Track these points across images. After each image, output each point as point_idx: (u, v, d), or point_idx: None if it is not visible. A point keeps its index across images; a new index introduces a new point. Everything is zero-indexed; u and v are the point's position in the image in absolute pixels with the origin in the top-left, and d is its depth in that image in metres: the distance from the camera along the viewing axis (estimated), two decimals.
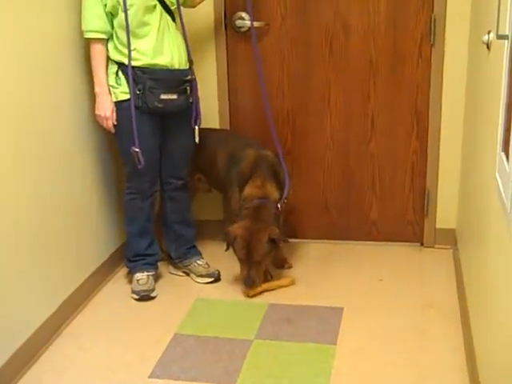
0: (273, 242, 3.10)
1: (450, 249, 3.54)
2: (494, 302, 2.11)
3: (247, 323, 2.96)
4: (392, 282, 3.28)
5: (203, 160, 3.38)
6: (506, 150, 1.49)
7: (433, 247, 3.63)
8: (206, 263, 3.40)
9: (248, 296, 3.17)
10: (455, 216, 3.54)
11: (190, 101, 3.12)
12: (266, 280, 3.26)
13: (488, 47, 2.37)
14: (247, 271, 3.12)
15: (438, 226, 3.60)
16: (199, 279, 3.36)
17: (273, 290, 3.24)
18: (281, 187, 3.24)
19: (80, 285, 3.14)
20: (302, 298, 3.15)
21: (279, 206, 3.19)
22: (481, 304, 2.41)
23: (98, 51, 2.96)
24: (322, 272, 3.41)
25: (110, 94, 2.99)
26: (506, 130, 1.51)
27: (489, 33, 2.32)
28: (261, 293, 3.20)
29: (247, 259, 3.11)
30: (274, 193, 3.20)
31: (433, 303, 3.05)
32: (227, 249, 3.14)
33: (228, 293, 3.23)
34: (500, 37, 1.54)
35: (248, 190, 3.19)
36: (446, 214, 3.56)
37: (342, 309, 3.03)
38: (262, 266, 3.16)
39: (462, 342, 2.69)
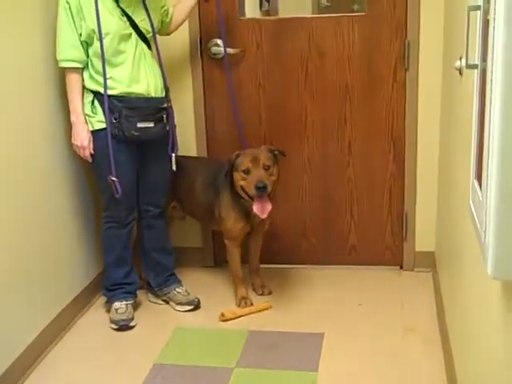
0: (272, 153, 3.12)
1: (429, 272, 3.55)
2: (470, 326, 2.12)
3: (228, 351, 2.94)
4: (372, 306, 3.28)
5: (179, 188, 3.36)
6: (478, 178, 1.50)
7: (412, 270, 3.64)
8: (186, 291, 3.38)
9: (223, 320, 3.16)
10: (434, 239, 3.55)
11: (167, 128, 3.11)
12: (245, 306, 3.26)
13: (460, 73, 2.40)
14: (257, 175, 3.03)
15: (417, 249, 3.61)
16: (179, 307, 3.33)
17: (249, 314, 3.23)
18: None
19: (58, 314, 3.11)
20: (282, 325, 3.14)
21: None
22: (459, 327, 2.42)
23: (73, 80, 2.95)
24: (302, 297, 3.40)
25: (87, 122, 2.98)
26: (478, 158, 1.52)
27: (460, 58, 2.35)
28: (237, 318, 3.19)
29: (256, 165, 3.05)
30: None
31: (413, 327, 3.05)
32: (226, 174, 3.11)
33: (208, 320, 3.21)
34: (470, 66, 1.56)
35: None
36: (424, 236, 3.57)
37: (322, 334, 3.02)
38: (270, 176, 3.07)
39: (444, 366, 2.69)
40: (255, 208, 3.05)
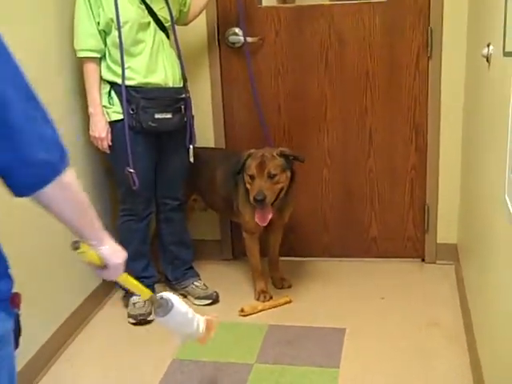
0: (286, 158, 3.03)
1: (451, 264, 3.48)
2: (497, 320, 2.06)
3: (247, 346, 2.89)
4: (394, 299, 3.22)
5: (200, 180, 3.31)
6: None
7: (434, 263, 3.57)
8: (204, 285, 3.33)
9: (243, 315, 3.12)
10: (456, 231, 3.48)
11: (185, 119, 3.06)
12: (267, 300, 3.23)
13: (488, 60, 2.32)
14: (258, 184, 2.96)
15: (439, 242, 3.54)
16: (197, 301, 3.29)
17: (269, 308, 3.18)
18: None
19: (75, 309, 3.08)
20: (302, 319, 3.09)
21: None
22: (486, 321, 2.36)
23: (91, 70, 2.90)
24: (322, 291, 3.34)
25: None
26: None
27: (488, 46, 2.28)
28: (257, 312, 3.14)
29: (260, 173, 2.97)
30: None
31: (436, 321, 2.98)
32: (239, 172, 3.05)
33: (227, 315, 3.15)
34: (507, 54, 1.49)
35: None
36: (446, 228, 3.50)
37: (344, 329, 2.96)
38: (275, 185, 3.00)
39: (468, 362, 2.63)
40: (256, 216, 3.01)
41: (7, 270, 1.34)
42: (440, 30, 3.22)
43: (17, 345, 1.41)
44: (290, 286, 3.38)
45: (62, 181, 1.27)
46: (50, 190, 1.26)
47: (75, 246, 1.56)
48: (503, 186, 1.61)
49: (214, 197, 3.36)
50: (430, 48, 3.26)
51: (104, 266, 1.60)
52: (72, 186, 1.33)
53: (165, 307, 2.13)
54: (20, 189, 1.25)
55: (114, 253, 1.62)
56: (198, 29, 3.37)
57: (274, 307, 3.20)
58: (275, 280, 3.40)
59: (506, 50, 1.52)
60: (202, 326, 2.36)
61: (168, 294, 2.16)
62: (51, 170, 1.25)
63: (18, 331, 1.40)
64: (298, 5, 3.54)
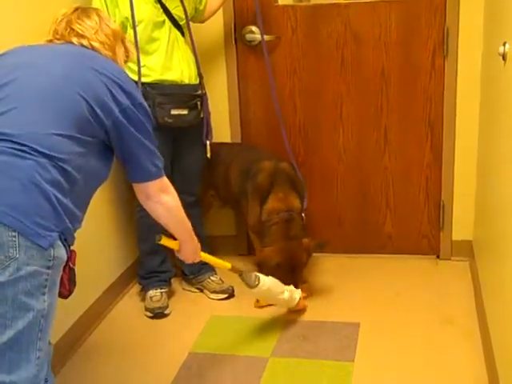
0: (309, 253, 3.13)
1: (466, 261, 3.49)
2: None
3: (263, 340, 2.93)
4: (409, 295, 3.23)
5: (215, 176, 3.35)
6: None
7: (449, 259, 3.58)
8: (220, 279, 3.37)
9: (258, 306, 3.16)
10: (471, 228, 3.49)
11: (201, 116, 3.10)
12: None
13: (504, 58, 2.33)
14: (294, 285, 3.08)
15: (454, 238, 3.55)
16: (213, 295, 3.33)
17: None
18: (300, 197, 3.23)
19: (93, 302, 3.12)
20: (317, 314, 3.11)
21: (303, 215, 3.19)
22: (500, 319, 2.37)
23: None
24: (337, 286, 3.37)
25: None
26: None
27: (504, 44, 2.29)
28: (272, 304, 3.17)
29: (292, 278, 3.09)
30: (296, 204, 3.19)
31: (451, 318, 2.99)
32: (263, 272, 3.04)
33: (242, 309, 3.19)
34: None
35: (271, 204, 3.16)
36: (462, 225, 3.51)
37: (358, 324, 2.98)
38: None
39: (483, 359, 2.64)
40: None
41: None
42: (456, 29, 3.24)
43: (70, 293, 1.89)
44: (305, 282, 3.40)
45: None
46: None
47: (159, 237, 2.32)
48: None
49: (228, 193, 3.40)
50: (446, 47, 3.27)
51: (178, 250, 2.37)
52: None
53: (250, 280, 2.73)
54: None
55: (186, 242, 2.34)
56: (215, 26, 3.41)
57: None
58: None
59: None
60: (297, 298, 3.02)
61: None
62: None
63: (73, 282, 1.89)
64: (315, 3, 3.56)
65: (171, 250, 3.30)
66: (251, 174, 3.23)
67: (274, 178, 3.19)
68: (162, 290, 3.24)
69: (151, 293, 3.22)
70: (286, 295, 2.97)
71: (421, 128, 3.44)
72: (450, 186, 3.47)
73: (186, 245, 2.35)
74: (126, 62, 2.19)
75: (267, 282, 2.84)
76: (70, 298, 2.87)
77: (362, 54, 3.40)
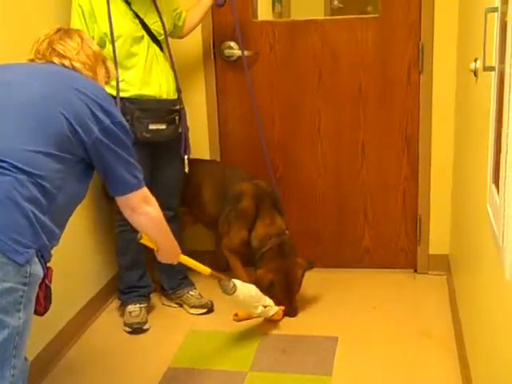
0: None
1: (443, 275, 3.52)
2: (487, 332, 2.10)
3: (241, 354, 2.93)
4: (386, 309, 3.26)
5: (187, 193, 3.35)
6: (496, 181, 1.48)
7: (426, 273, 3.61)
8: (199, 294, 3.37)
9: (237, 319, 3.17)
10: (448, 242, 3.53)
11: (179, 131, 3.11)
12: None
13: (475, 75, 2.38)
14: (289, 304, 3.20)
15: (431, 252, 3.59)
16: (192, 310, 3.33)
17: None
18: (282, 215, 3.30)
19: (72, 317, 3.11)
20: (295, 328, 3.13)
21: (287, 232, 3.27)
22: (477, 332, 2.39)
23: None
24: (316, 300, 3.38)
25: None
26: (496, 162, 1.51)
27: (475, 60, 2.34)
28: (250, 318, 3.18)
29: (287, 296, 3.18)
30: (282, 225, 3.27)
31: (428, 332, 3.02)
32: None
33: (221, 323, 3.20)
34: (487, 68, 1.55)
35: (261, 230, 3.23)
36: (438, 239, 3.55)
37: (336, 338, 3.00)
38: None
39: (459, 372, 2.66)
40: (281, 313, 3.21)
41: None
42: (431, 45, 3.29)
43: (45, 310, 1.90)
44: None
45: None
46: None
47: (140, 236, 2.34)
48: (486, 195, 1.66)
49: (201, 211, 3.43)
50: (421, 62, 3.33)
51: (157, 250, 2.39)
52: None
53: (227, 287, 2.79)
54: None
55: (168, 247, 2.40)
56: (193, 42, 3.44)
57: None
58: None
59: (486, 64, 1.58)
60: (272, 312, 3.08)
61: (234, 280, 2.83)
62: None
63: (49, 299, 1.88)
64: (292, 20, 3.60)
65: (150, 265, 3.33)
66: (230, 197, 3.26)
67: (258, 201, 3.24)
68: (141, 305, 3.24)
69: (130, 308, 3.22)
70: (260, 310, 3.04)
71: (397, 142, 3.48)
72: (427, 200, 3.51)
73: (166, 248, 2.42)
74: (106, 83, 2.22)
75: (244, 291, 2.90)
76: (48, 312, 2.87)
77: (339, 70, 3.44)
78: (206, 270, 2.81)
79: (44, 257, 1.77)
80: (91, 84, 1.99)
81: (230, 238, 3.29)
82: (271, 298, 3.12)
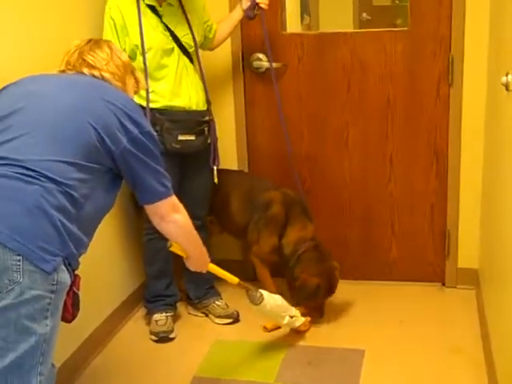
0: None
1: (472, 289, 3.49)
2: None
3: (267, 366, 2.93)
4: (413, 323, 3.23)
5: (215, 202, 3.36)
6: None
7: (455, 287, 3.57)
8: (225, 304, 3.38)
9: (267, 331, 3.17)
10: (477, 256, 3.49)
11: (208, 142, 3.13)
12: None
13: (507, 89, 2.36)
14: (321, 306, 3.25)
15: (459, 266, 3.55)
16: (218, 320, 3.33)
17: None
18: (312, 221, 3.31)
19: (98, 326, 3.13)
20: (322, 340, 3.12)
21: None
22: (506, 348, 2.36)
23: None
24: (343, 312, 3.37)
25: None
26: None
27: (507, 74, 2.32)
28: (279, 328, 3.18)
29: (326, 298, 3.24)
30: (314, 230, 3.28)
31: (456, 347, 2.98)
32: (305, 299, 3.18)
33: (247, 334, 3.20)
34: None
35: (293, 235, 3.22)
36: (467, 253, 3.51)
37: (363, 351, 2.98)
38: None
39: None
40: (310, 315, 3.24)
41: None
42: (461, 58, 3.27)
43: (73, 317, 1.92)
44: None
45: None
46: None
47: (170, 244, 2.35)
48: None
49: (229, 220, 3.43)
50: (451, 75, 3.31)
51: (187, 258, 2.40)
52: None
53: (255, 297, 2.82)
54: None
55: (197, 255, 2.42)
56: (223, 54, 3.46)
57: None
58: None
59: None
60: (298, 323, 3.08)
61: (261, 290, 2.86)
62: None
63: (77, 306, 1.91)
64: (321, 32, 3.61)
65: (177, 275, 3.34)
66: (259, 204, 3.27)
67: (287, 207, 3.24)
68: (168, 314, 3.25)
69: (156, 316, 3.23)
70: (286, 320, 3.03)
71: (426, 155, 3.46)
72: (456, 214, 3.48)
73: (196, 256, 2.43)
74: (135, 92, 2.24)
75: (271, 301, 2.90)
76: (75, 320, 2.89)
77: (367, 82, 3.44)
78: (233, 279, 2.82)
79: (71, 264, 1.79)
80: (120, 95, 2.02)
81: (259, 245, 3.28)
82: (313, 301, 3.16)
